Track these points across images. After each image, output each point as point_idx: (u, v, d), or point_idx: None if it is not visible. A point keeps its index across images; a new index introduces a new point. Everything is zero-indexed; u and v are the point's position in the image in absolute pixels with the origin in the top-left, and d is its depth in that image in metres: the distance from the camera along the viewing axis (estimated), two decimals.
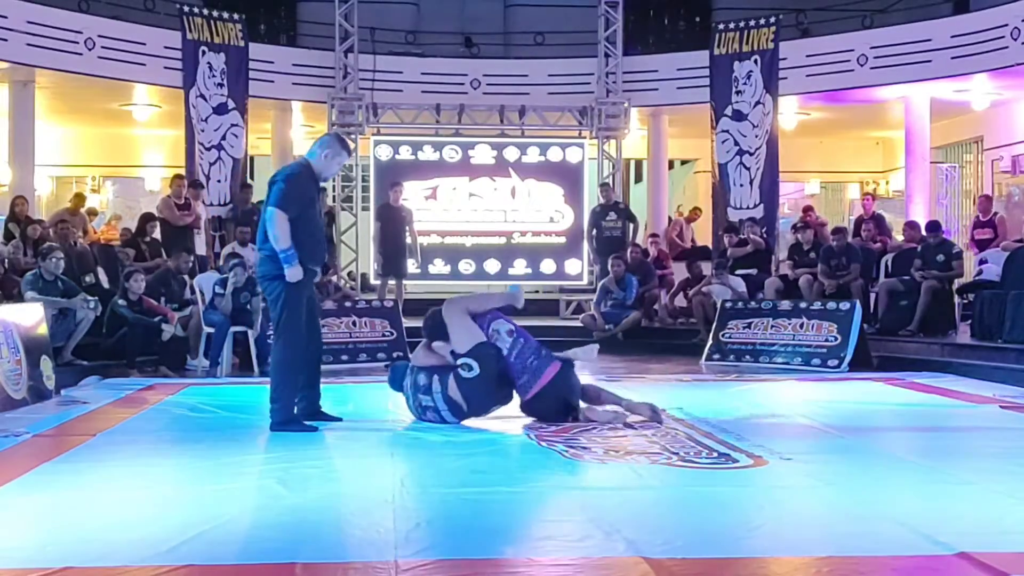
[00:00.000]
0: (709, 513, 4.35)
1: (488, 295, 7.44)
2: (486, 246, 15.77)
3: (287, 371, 6.50)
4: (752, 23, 14.94)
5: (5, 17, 13.18)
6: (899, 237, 13.87)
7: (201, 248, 12.88)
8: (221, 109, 14.67)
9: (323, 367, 10.69)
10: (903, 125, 15.55)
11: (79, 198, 14.23)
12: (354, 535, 4.03)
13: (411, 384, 6.69)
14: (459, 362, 6.57)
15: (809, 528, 4.18)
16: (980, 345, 10.27)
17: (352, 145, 6.27)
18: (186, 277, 11.32)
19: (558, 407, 6.68)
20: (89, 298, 9.85)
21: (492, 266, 15.81)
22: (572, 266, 15.79)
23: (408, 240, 13.72)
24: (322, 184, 7.22)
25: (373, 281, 14.45)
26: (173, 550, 3.70)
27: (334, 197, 16.14)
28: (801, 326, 10.72)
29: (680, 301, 13.58)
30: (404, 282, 13.95)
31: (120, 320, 10.10)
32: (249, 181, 15.03)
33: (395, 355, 10.70)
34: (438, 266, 15.69)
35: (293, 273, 6.42)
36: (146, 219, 12.84)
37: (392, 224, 13.66)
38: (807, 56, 15.17)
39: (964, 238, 14.22)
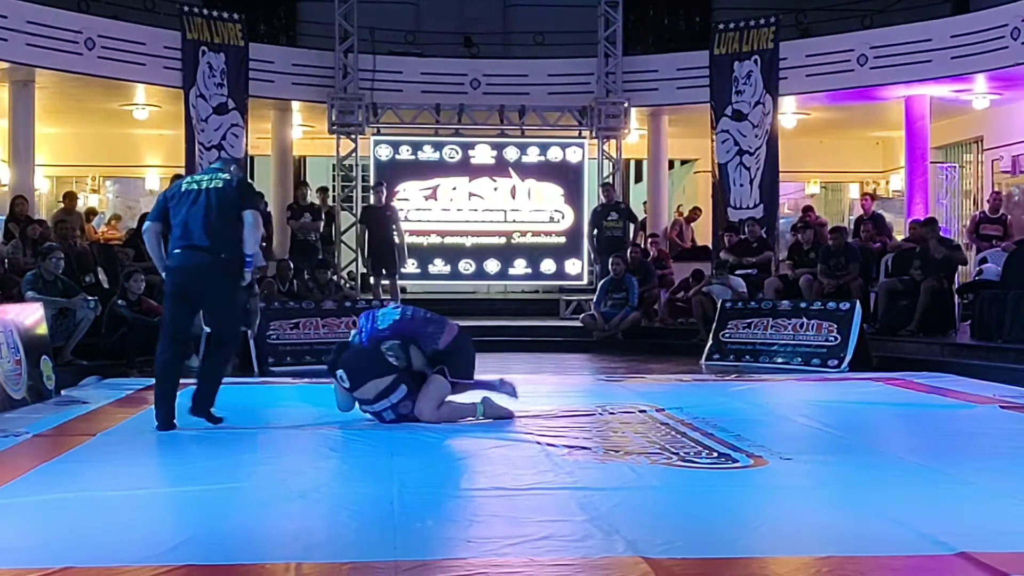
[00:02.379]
0: (709, 513, 4.36)
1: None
2: (486, 246, 15.77)
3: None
4: (752, 23, 14.94)
5: (5, 17, 13.16)
6: (900, 237, 13.86)
7: None
8: (221, 109, 14.67)
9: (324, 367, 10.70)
10: (903, 125, 15.52)
11: (71, 198, 14.20)
12: (354, 535, 4.02)
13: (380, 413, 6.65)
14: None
15: (809, 528, 4.17)
16: (980, 345, 10.27)
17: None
18: None
19: (471, 357, 6.80)
20: (89, 298, 9.85)
21: (492, 266, 15.81)
22: (572, 266, 15.80)
23: (396, 240, 13.67)
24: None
25: (372, 281, 14.44)
26: (173, 550, 3.70)
27: (334, 197, 16.13)
28: (801, 326, 10.72)
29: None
30: (404, 282, 13.90)
31: (120, 320, 10.10)
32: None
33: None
34: (438, 266, 15.69)
35: (248, 276, 6.55)
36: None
37: (378, 225, 13.61)
38: (807, 56, 15.15)
39: (963, 238, 14.18)
